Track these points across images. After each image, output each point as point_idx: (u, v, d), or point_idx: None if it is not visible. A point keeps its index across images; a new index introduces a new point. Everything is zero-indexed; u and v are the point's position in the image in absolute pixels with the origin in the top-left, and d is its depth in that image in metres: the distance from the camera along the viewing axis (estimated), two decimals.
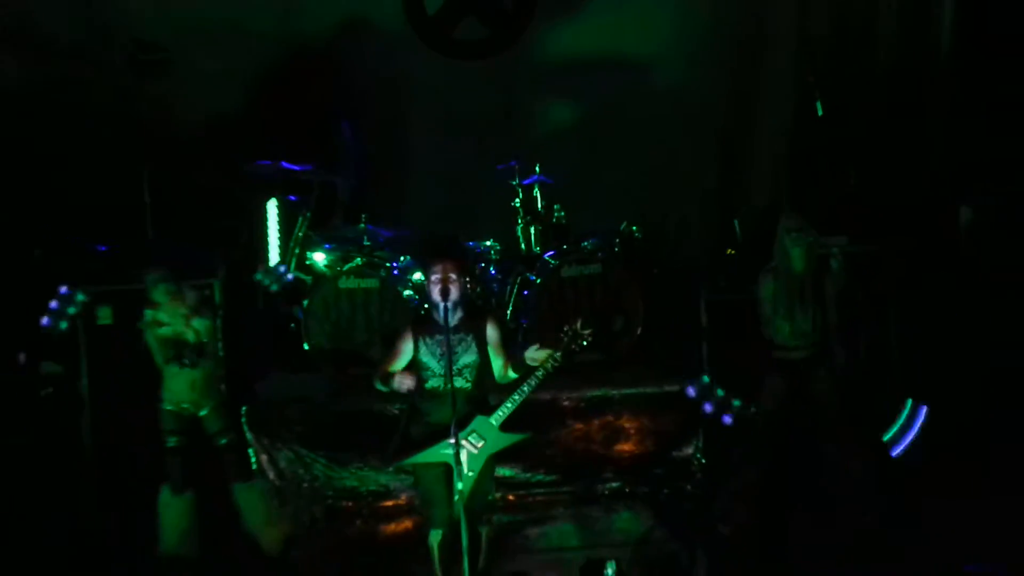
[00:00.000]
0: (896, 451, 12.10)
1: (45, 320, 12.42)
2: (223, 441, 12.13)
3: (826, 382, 12.18)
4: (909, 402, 12.12)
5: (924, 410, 12.08)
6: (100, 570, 12.05)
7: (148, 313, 11.96)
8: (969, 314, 13.71)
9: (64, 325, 12.44)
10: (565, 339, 10.89)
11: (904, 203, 14.06)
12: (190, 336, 11.88)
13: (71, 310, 12.43)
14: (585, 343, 10.95)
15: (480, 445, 10.87)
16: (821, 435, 12.26)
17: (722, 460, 13.02)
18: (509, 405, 10.82)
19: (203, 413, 12.04)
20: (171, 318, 11.87)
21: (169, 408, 12.01)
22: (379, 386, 10.88)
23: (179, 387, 11.96)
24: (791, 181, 14.96)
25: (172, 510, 12.11)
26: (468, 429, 10.77)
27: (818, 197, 13.66)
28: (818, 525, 11.76)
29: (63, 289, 12.47)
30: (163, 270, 11.90)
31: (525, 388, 10.85)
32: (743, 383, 12.59)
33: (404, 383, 10.70)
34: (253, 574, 12.08)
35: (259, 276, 12.78)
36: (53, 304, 12.40)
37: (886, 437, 12.06)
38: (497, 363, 10.82)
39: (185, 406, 12.00)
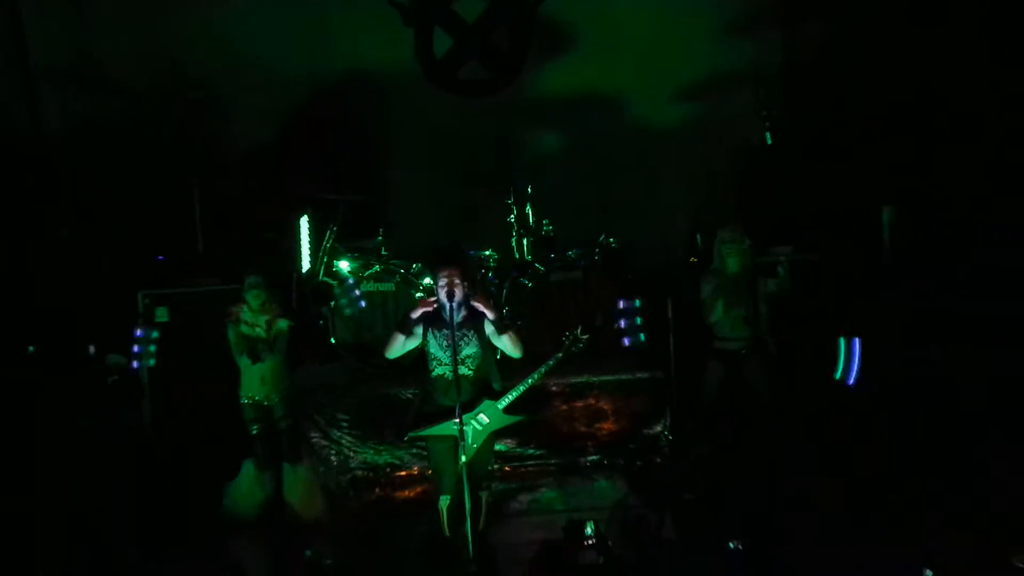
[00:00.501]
0: (851, 382, 12.00)
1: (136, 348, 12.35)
2: (283, 425, 12.30)
3: (758, 369, 12.46)
4: (842, 340, 12.02)
5: (857, 342, 11.99)
6: (158, 531, 12.00)
7: (236, 310, 12.11)
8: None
9: (151, 363, 12.39)
10: (566, 342, 11.27)
11: (839, 216, 14.15)
12: (263, 335, 12.06)
13: (151, 348, 12.31)
14: (582, 345, 11.28)
15: (484, 423, 11.07)
16: (755, 414, 12.56)
17: (681, 437, 13.14)
18: (513, 393, 11.09)
19: (274, 402, 12.18)
20: (255, 319, 12.02)
21: (246, 402, 12.18)
22: (392, 351, 11.17)
23: (252, 381, 12.14)
24: (746, 199, 14.90)
25: (251, 482, 12.32)
26: (476, 411, 11.03)
27: (769, 213, 13.66)
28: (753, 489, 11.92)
29: (138, 332, 12.39)
30: (260, 277, 12.07)
31: (529, 380, 11.15)
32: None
33: (421, 307, 11.00)
34: (291, 533, 12.13)
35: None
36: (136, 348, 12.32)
37: (837, 375, 11.97)
38: (497, 348, 11.11)
39: (258, 398, 12.16)
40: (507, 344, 11.09)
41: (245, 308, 12.09)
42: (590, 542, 10.55)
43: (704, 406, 12.71)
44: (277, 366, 12.24)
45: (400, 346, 11.14)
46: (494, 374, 11.17)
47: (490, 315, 11.01)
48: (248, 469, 12.34)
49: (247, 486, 12.36)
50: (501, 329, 11.06)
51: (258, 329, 12.09)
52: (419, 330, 11.09)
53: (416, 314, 10.99)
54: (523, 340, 11.26)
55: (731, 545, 10.35)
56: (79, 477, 12.86)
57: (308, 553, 11.36)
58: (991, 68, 14.48)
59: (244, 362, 12.14)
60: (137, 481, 12.90)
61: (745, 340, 12.44)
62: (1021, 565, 9.90)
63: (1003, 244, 13.67)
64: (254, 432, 12.22)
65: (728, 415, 12.61)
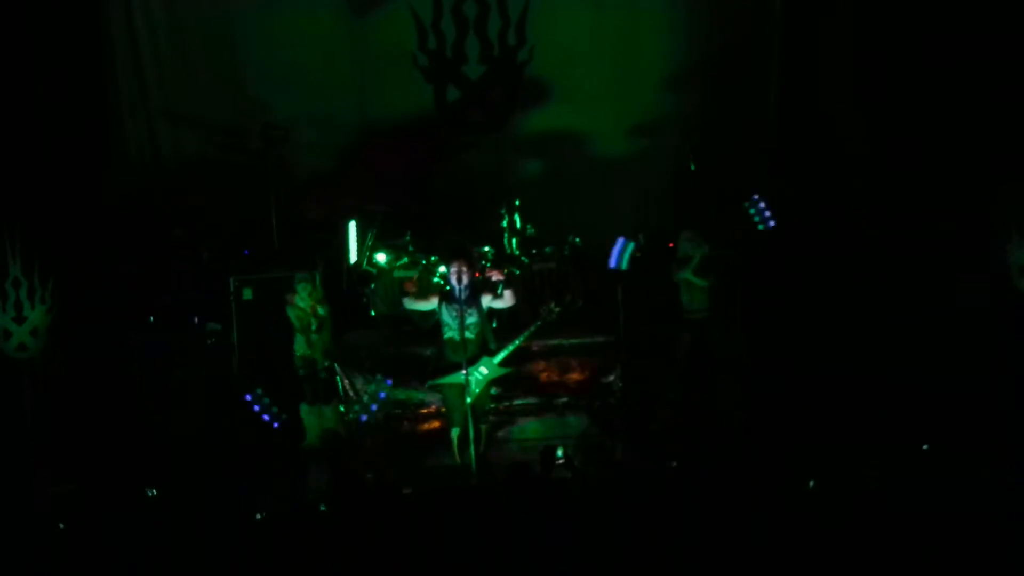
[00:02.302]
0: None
1: None
2: (323, 375, 12.40)
3: (716, 335, 12.55)
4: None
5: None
6: (246, 455, 12.00)
7: (291, 296, 12.23)
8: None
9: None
10: (543, 313, 11.50)
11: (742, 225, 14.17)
12: (313, 314, 12.14)
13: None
14: (555, 316, 11.68)
15: (483, 374, 11.22)
16: (715, 367, 12.57)
17: (646, 383, 13.01)
18: (505, 352, 11.47)
19: (318, 355, 12.28)
20: (305, 304, 12.14)
21: (298, 354, 12.34)
22: (408, 304, 11.89)
23: (303, 346, 12.29)
24: (677, 210, 14.93)
25: (309, 416, 12.39)
26: (477, 364, 11.30)
27: (692, 221, 13.60)
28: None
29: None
30: (308, 274, 12.28)
31: (516, 342, 11.49)
32: (648, 336, 13.10)
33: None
34: (347, 455, 12.07)
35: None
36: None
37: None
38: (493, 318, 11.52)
39: (306, 352, 12.31)
40: (504, 301, 11.38)
41: (297, 296, 12.23)
42: (560, 463, 10.52)
43: (675, 363, 12.71)
44: (323, 338, 12.38)
45: (413, 304, 11.81)
46: (490, 337, 11.54)
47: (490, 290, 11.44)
48: (303, 408, 12.43)
49: (306, 421, 12.44)
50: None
51: (307, 310, 12.22)
52: (435, 300, 11.38)
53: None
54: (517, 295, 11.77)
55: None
56: (181, 411, 13.01)
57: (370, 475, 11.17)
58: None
59: (299, 335, 12.32)
60: (227, 416, 12.88)
61: (705, 311, 12.48)
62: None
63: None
64: (302, 375, 12.35)
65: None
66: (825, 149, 14.81)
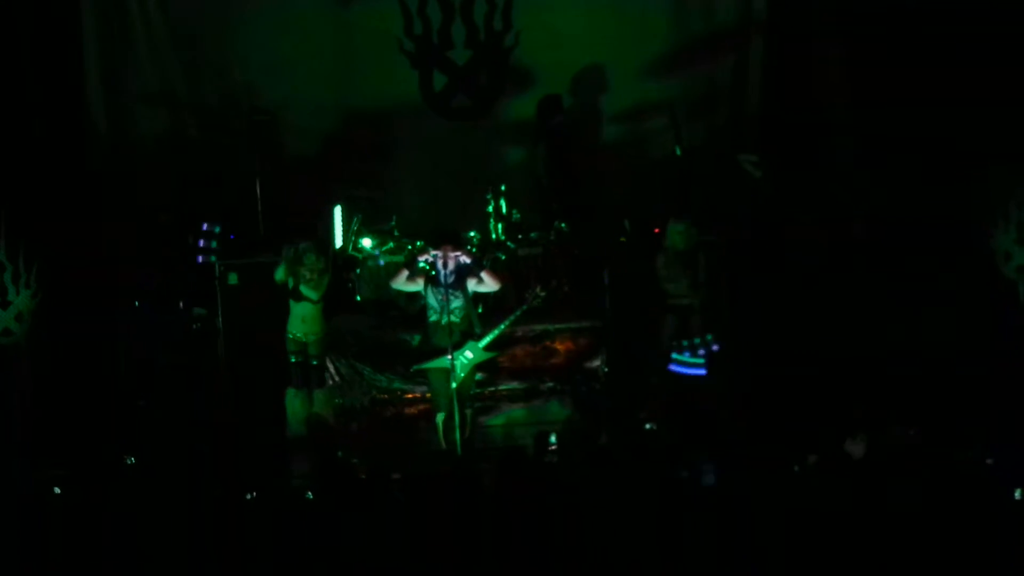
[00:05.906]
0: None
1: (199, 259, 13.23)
2: (315, 362, 12.33)
3: (699, 322, 12.42)
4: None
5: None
6: (230, 439, 11.85)
7: (298, 268, 12.08)
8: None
9: (214, 258, 13.23)
10: (529, 298, 11.49)
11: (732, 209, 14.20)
12: (312, 282, 12.05)
13: (214, 243, 13.14)
14: (540, 301, 11.73)
15: (469, 358, 11.23)
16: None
17: (633, 370, 13.08)
18: (490, 336, 11.47)
19: (311, 340, 12.17)
20: (310, 272, 12.04)
21: (291, 337, 12.22)
22: (396, 283, 11.66)
23: (295, 321, 12.17)
24: (664, 195, 14.66)
25: (295, 402, 12.35)
26: (462, 348, 11.27)
27: (681, 205, 13.61)
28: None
29: (203, 226, 13.32)
30: (312, 243, 12.19)
31: (502, 326, 11.50)
32: (634, 320, 13.12)
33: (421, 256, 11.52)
34: (334, 441, 12.08)
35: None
36: (200, 242, 13.32)
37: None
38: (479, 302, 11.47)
39: (299, 335, 12.19)
40: (487, 281, 11.27)
41: (302, 265, 12.07)
42: (552, 448, 10.68)
43: (660, 349, 12.62)
44: (316, 313, 12.24)
45: (403, 281, 11.50)
46: (475, 321, 11.54)
47: (469, 260, 11.33)
48: (290, 393, 12.39)
49: (291, 406, 12.40)
50: (478, 269, 11.30)
51: (306, 277, 12.08)
52: (420, 282, 11.36)
53: (420, 259, 11.40)
54: (498, 276, 11.56)
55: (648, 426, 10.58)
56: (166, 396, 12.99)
57: (339, 454, 11.32)
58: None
59: (292, 304, 12.15)
60: (212, 402, 12.96)
61: (689, 299, 12.44)
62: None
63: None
64: (292, 361, 12.27)
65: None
66: (811, 136, 14.81)
